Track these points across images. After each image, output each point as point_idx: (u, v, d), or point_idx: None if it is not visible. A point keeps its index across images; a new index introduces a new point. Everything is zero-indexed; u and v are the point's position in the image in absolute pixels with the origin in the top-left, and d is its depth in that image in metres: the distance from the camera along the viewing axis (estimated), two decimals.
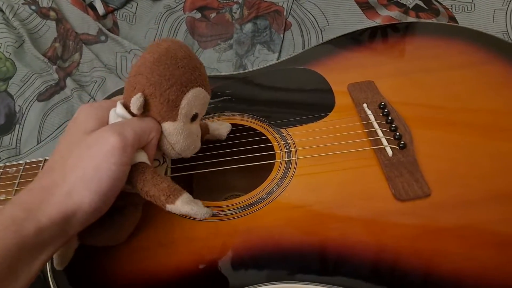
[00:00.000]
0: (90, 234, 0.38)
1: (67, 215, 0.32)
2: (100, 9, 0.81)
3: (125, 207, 0.40)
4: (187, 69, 0.37)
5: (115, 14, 0.82)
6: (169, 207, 0.35)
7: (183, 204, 0.35)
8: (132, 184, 0.36)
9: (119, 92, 0.59)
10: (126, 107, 0.37)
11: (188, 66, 0.37)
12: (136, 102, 0.36)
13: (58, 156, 0.35)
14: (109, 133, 0.34)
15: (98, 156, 0.33)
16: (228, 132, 0.50)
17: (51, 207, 0.32)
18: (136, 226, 0.42)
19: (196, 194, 0.46)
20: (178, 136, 0.39)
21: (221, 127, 0.49)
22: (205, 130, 0.47)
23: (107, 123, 0.37)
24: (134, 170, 0.36)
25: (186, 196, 0.36)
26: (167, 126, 0.38)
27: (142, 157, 0.37)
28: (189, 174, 0.51)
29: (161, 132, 0.38)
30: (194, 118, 0.39)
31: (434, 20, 0.71)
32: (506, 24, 0.69)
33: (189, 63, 0.37)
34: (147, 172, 0.36)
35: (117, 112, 0.37)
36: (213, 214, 0.43)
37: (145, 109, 0.37)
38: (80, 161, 0.33)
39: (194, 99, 0.38)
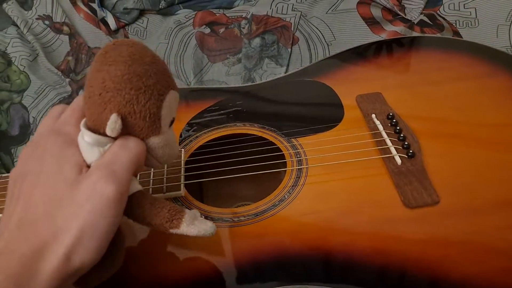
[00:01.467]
0: (89, 280, 0.34)
1: (64, 278, 0.29)
2: (112, 24, 0.83)
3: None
4: (159, 75, 0.33)
5: (127, 29, 0.84)
6: (174, 231, 0.34)
7: (189, 227, 0.34)
8: (131, 217, 0.34)
9: None
10: (94, 131, 0.33)
11: (158, 71, 0.33)
12: (114, 126, 0.31)
13: (40, 209, 0.30)
14: (102, 182, 0.30)
15: (93, 213, 0.30)
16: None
17: (47, 275, 0.28)
18: (148, 233, 0.43)
19: (206, 203, 0.46)
20: (164, 148, 0.36)
21: None
22: None
23: (82, 160, 0.33)
24: (130, 203, 0.33)
25: (188, 216, 0.34)
26: (152, 141, 0.35)
27: (135, 186, 0.34)
28: (199, 184, 0.52)
29: (147, 150, 0.35)
30: (171, 123, 0.36)
31: (439, 35, 0.73)
32: (509, 39, 0.71)
33: (157, 67, 0.33)
34: (144, 202, 0.34)
35: (88, 141, 0.32)
36: (226, 221, 0.44)
37: (123, 130, 0.32)
38: (73, 221, 0.29)
39: (171, 104, 0.35)
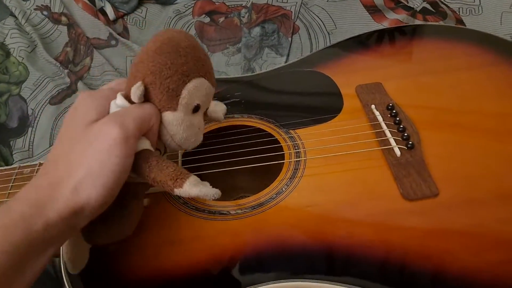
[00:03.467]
0: (95, 233, 0.38)
1: (75, 211, 0.32)
2: (111, 14, 0.82)
3: (124, 199, 0.38)
4: (190, 59, 0.36)
5: (125, 19, 0.83)
6: (177, 191, 0.35)
7: (191, 187, 0.35)
8: (137, 172, 0.36)
9: None
10: (127, 97, 0.37)
11: (190, 55, 0.36)
12: (136, 91, 0.35)
13: (60, 150, 0.35)
14: (110, 125, 0.34)
15: (101, 150, 0.33)
16: (225, 113, 0.49)
17: (59, 203, 0.31)
18: (147, 225, 0.43)
19: None
20: (178, 126, 0.38)
21: (217, 108, 0.47)
22: None
23: (107, 113, 0.37)
24: (138, 158, 0.35)
25: (193, 178, 0.36)
26: (167, 115, 0.37)
27: (145, 144, 0.36)
28: (198, 175, 0.52)
29: (161, 122, 0.38)
30: (196, 109, 0.38)
31: (442, 23, 0.72)
32: None
33: (191, 52, 0.36)
34: (152, 158, 0.36)
35: (117, 103, 0.36)
36: (223, 214, 0.44)
37: (145, 98, 0.36)
38: (83, 157, 0.33)
39: (196, 89, 0.37)
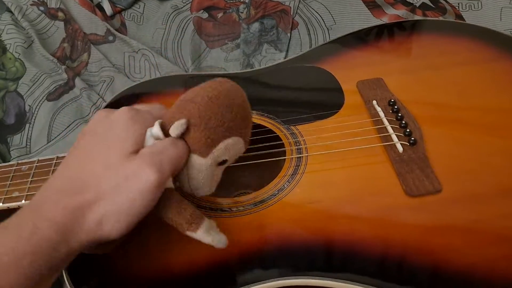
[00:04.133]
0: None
1: (94, 242, 0.32)
2: (108, 10, 0.81)
3: None
4: (238, 117, 0.37)
5: (123, 15, 0.82)
6: (190, 234, 0.36)
7: (204, 234, 0.35)
8: (156, 209, 0.36)
9: (129, 90, 0.60)
10: (164, 127, 0.36)
11: (240, 114, 0.37)
12: (179, 127, 0.35)
13: (91, 170, 0.34)
14: (149, 168, 0.33)
15: (134, 191, 0.32)
16: None
17: (83, 233, 0.31)
18: (149, 223, 0.42)
19: None
20: (200, 173, 0.38)
21: None
22: None
23: (143, 141, 0.36)
24: (161, 196, 0.35)
25: (206, 224, 0.36)
26: (194, 159, 0.37)
27: (169, 183, 0.36)
28: None
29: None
30: (222, 163, 0.39)
31: (441, 18, 0.72)
32: None
33: (242, 112, 0.37)
34: (173, 199, 0.36)
35: (153, 133, 0.36)
36: (225, 211, 0.43)
37: (182, 135, 0.36)
38: (115, 192, 0.33)
39: (232, 146, 0.37)
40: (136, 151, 0.34)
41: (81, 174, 0.34)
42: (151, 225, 0.43)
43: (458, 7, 0.73)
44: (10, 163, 0.51)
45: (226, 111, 0.36)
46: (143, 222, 0.42)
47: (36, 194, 0.33)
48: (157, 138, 0.36)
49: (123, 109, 0.37)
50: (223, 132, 0.36)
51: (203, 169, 0.37)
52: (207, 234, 0.36)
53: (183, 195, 0.37)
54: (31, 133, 0.67)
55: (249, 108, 0.39)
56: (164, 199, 0.35)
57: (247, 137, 0.39)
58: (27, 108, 0.69)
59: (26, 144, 0.66)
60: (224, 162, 0.39)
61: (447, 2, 0.74)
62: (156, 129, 0.36)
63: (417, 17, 0.73)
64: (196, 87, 0.37)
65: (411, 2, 0.75)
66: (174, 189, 0.37)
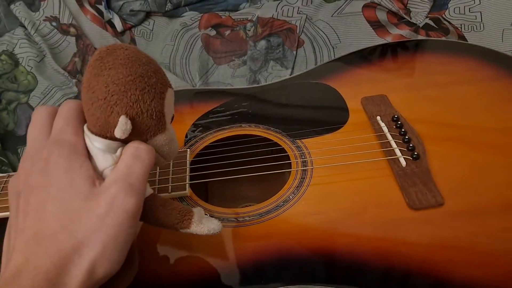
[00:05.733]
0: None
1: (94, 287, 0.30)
2: (119, 26, 0.83)
3: None
4: (158, 74, 0.34)
5: (133, 31, 0.85)
6: (184, 231, 0.35)
7: (198, 226, 0.35)
8: (144, 220, 0.35)
9: None
10: (101, 135, 0.33)
11: (156, 70, 0.34)
12: (124, 127, 0.32)
13: (54, 221, 0.30)
14: (122, 197, 0.31)
15: (114, 226, 0.30)
16: None
17: (75, 283, 0.29)
18: (156, 231, 0.43)
19: (211, 203, 0.47)
20: (167, 146, 0.36)
21: None
22: None
23: (92, 168, 0.32)
24: (144, 208, 0.33)
25: (196, 216, 0.35)
26: (159, 139, 0.35)
27: (147, 190, 0.34)
28: (204, 184, 0.53)
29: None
30: (171, 120, 0.37)
31: (444, 39, 0.73)
32: None
33: (155, 67, 0.34)
34: (156, 205, 0.35)
35: (100, 148, 0.33)
36: (231, 221, 0.44)
37: (131, 131, 0.33)
38: (94, 235, 0.30)
39: (170, 101, 0.36)
40: (93, 184, 0.31)
41: (45, 230, 0.30)
42: (157, 232, 0.43)
43: (461, 28, 0.75)
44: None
45: (147, 79, 0.33)
46: (150, 230, 0.43)
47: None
48: (109, 148, 0.33)
49: (42, 149, 0.33)
50: (160, 97, 0.34)
51: (169, 140, 0.36)
52: (201, 226, 0.35)
53: None
54: None
55: (151, 57, 0.35)
56: (149, 209, 0.34)
57: (169, 81, 0.36)
58: None
59: None
60: (173, 117, 0.37)
61: (449, 23, 0.76)
62: (99, 143, 0.33)
63: (420, 38, 0.74)
64: (97, 78, 0.32)
65: (415, 22, 0.77)
66: (154, 192, 0.36)
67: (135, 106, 0.32)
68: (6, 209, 0.46)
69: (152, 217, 0.35)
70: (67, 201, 0.31)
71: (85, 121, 0.35)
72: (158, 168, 0.49)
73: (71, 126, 0.34)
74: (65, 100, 0.71)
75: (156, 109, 0.34)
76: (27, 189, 0.32)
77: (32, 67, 0.76)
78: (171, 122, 0.37)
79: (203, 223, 0.36)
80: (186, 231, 0.35)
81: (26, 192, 0.32)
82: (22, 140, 0.68)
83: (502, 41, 0.72)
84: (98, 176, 0.33)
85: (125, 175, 0.32)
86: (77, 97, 0.73)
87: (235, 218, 0.44)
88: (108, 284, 0.32)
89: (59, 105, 0.69)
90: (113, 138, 0.33)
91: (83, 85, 0.33)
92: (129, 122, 0.32)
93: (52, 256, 0.29)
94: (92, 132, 0.33)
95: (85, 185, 0.31)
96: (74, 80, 0.74)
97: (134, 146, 0.33)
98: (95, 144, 0.33)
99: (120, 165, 0.33)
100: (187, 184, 0.47)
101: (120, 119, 0.32)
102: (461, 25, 0.75)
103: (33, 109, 0.72)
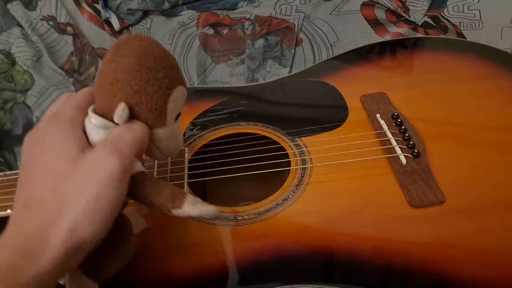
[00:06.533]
0: (101, 270, 0.36)
1: (71, 253, 0.30)
2: (116, 25, 0.83)
3: (118, 218, 0.36)
4: (168, 70, 0.34)
5: (130, 30, 0.84)
6: (176, 212, 0.34)
7: (191, 207, 0.34)
8: (133, 197, 0.34)
9: None
10: (102, 116, 0.34)
11: (167, 65, 0.34)
12: (121, 113, 0.33)
13: (45, 188, 0.31)
14: (106, 156, 0.31)
15: (96, 184, 0.30)
16: None
17: (53, 249, 0.29)
18: (154, 229, 0.43)
19: (210, 202, 0.46)
20: (166, 141, 0.37)
21: None
22: None
23: (86, 139, 0.34)
24: (133, 182, 0.33)
25: (190, 198, 0.34)
26: (157, 132, 0.36)
27: (138, 166, 0.34)
28: (203, 182, 0.52)
29: (150, 140, 0.36)
30: (177, 117, 0.38)
31: (443, 36, 0.73)
32: None
33: (166, 62, 0.35)
34: (147, 181, 0.34)
35: (95, 124, 0.34)
36: (229, 219, 0.44)
37: (129, 119, 0.34)
38: (77, 194, 0.30)
39: (178, 99, 0.36)
40: (82, 150, 0.32)
41: (36, 196, 0.31)
42: (155, 231, 0.43)
43: (460, 26, 0.74)
44: (17, 171, 0.51)
45: (155, 72, 0.33)
46: (148, 229, 0.43)
47: None
48: (104, 127, 0.34)
49: (43, 119, 0.35)
50: (164, 92, 0.34)
51: (169, 136, 0.37)
52: (194, 207, 0.34)
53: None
54: None
55: (169, 53, 0.36)
56: (138, 185, 0.34)
57: (183, 80, 0.37)
58: (34, 119, 0.70)
59: None
60: (179, 115, 0.37)
61: (448, 21, 0.75)
62: (95, 120, 0.33)
63: (419, 35, 0.74)
64: (109, 64, 0.33)
65: (413, 20, 0.76)
66: (146, 172, 0.35)
67: (135, 96, 0.33)
68: (4, 208, 0.46)
69: (142, 193, 0.34)
70: (56, 166, 0.32)
71: (92, 104, 0.36)
72: (156, 167, 0.48)
73: (74, 103, 0.35)
74: None
75: (158, 103, 0.34)
76: (27, 160, 0.34)
77: (29, 67, 0.76)
78: (177, 118, 0.38)
79: (197, 206, 0.34)
80: (178, 212, 0.34)
81: (26, 163, 0.34)
82: (19, 140, 0.68)
83: (501, 38, 0.72)
84: (89, 146, 0.34)
85: (114, 139, 0.33)
86: None
87: (234, 217, 0.44)
88: (94, 263, 0.34)
89: None
90: (112, 122, 0.34)
91: (99, 68, 0.35)
92: (127, 109, 0.33)
93: (37, 218, 0.30)
94: (96, 112, 0.34)
95: (74, 150, 0.32)
96: (71, 79, 0.74)
97: (129, 121, 0.34)
98: (92, 120, 0.34)
99: (111, 133, 0.34)
100: (186, 183, 0.47)
101: (118, 105, 0.33)
102: (459, 23, 0.75)
103: (30, 108, 0.71)
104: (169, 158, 0.48)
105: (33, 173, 0.33)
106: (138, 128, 0.34)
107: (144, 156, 0.40)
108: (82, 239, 0.30)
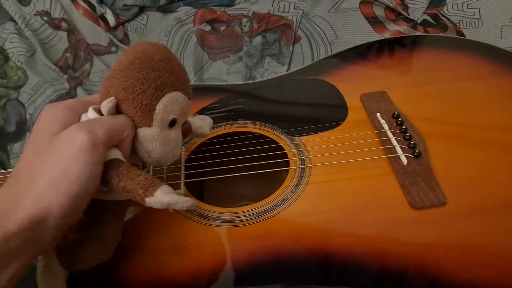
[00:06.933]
0: (72, 257, 0.36)
1: (36, 221, 0.30)
2: (111, 21, 0.82)
3: (100, 217, 0.37)
4: (163, 72, 0.35)
5: (126, 26, 0.83)
6: (149, 200, 0.33)
7: (163, 195, 0.33)
8: (107, 182, 0.34)
9: None
10: (99, 112, 0.35)
11: (164, 69, 0.35)
12: (106, 105, 0.34)
13: (24, 162, 0.33)
14: (77, 131, 0.32)
15: (66, 156, 0.31)
16: (211, 127, 0.48)
17: (19, 214, 0.30)
18: (150, 231, 0.42)
19: (207, 202, 0.45)
20: (154, 142, 0.37)
21: (203, 124, 0.47)
22: (187, 129, 0.45)
23: (72, 121, 0.35)
24: (107, 167, 0.34)
25: (165, 187, 0.34)
26: (142, 131, 0.36)
27: (116, 154, 0.35)
28: (200, 182, 0.51)
29: (136, 138, 0.36)
30: (172, 124, 0.37)
31: (443, 34, 0.72)
32: None
33: (165, 66, 0.35)
34: (122, 167, 0.34)
35: (88, 117, 0.35)
36: (227, 220, 0.43)
37: (118, 113, 0.35)
38: (47, 165, 0.32)
39: (171, 104, 0.36)
40: (65, 127, 0.33)
41: (16, 171, 0.33)
42: (151, 232, 0.42)
43: (459, 25, 0.74)
44: (9, 170, 0.50)
45: (147, 72, 0.34)
46: (143, 230, 0.42)
47: None
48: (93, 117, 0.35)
49: (45, 106, 0.36)
50: (154, 93, 0.34)
51: (156, 138, 0.36)
52: (166, 194, 0.33)
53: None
54: None
55: (175, 59, 0.37)
56: (112, 169, 0.34)
57: (184, 88, 0.37)
58: (28, 116, 0.69)
59: None
60: (174, 121, 0.37)
61: (448, 19, 0.75)
62: (90, 113, 0.35)
63: (418, 34, 0.73)
64: (116, 62, 0.35)
65: (413, 18, 0.76)
66: (123, 160, 0.35)
67: (123, 92, 0.34)
68: None
69: (115, 177, 0.34)
70: (38, 142, 0.33)
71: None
72: (152, 167, 0.47)
73: (81, 98, 0.38)
74: (56, 96, 0.70)
75: (144, 102, 0.34)
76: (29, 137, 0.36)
77: (22, 63, 0.74)
78: (172, 126, 0.37)
79: (169, 194, 0.33)
80: (151, 200, 0.33)
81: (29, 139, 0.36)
82: (12, 137, 0.67)
83: (501, 37, 0.71)
84: None
85: (91, 121, 0.34)
86: (69, 93, 0.71)
87: (232, 218, 0.43)
88: (69, 250, 0.35)
89: (50, 101, 0.69)
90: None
91: None
92: (112, 103, 0.34)
93: (10, 188, 0.32)
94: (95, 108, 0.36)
95: (58, 127, 0.33)
96: (65, 76, 0.72)
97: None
98: (88, 114, 0.35)
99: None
100: (182, 183, 0.46)
101: (107, 99, 0.34)
102: (459, 21, 0.74)
103: (23, 105, 0.70)
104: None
105: (23, 150, 0.34)
106: (119, 117, 0.35)
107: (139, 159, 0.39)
108: (46, 208, 0.31)
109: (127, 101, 0.34)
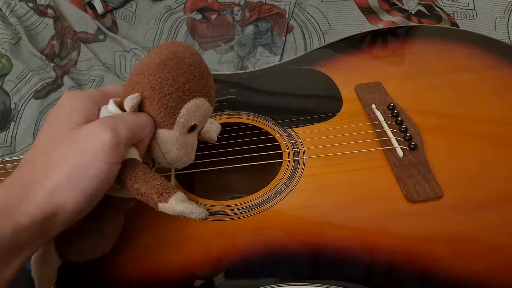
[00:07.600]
0: (69, 247, 0.35)
1: (48, 215, 0.30)
2: (99, 8, 0.80)
3: (105, 211, 0.37)
4: (192, 77, 0.35)
5: (114, 14, 0.81)
6: (162, 206, 0.32)
7: (177, 203, 0.32)
8: (121, 182, 0.33)
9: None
10: (120, 105, 0.35)
11: (193, 74, 0.35)
12: (130, 100, 0.33)
13: (39, 150, 0.32)
14: (101, 128, 0.31)
15: (86, 153, 0.30)
16: (218, 133, 0.47)
17: (31, 206, 0.29)
18: (142, 225, 0.41)
19: (198, 195, 0.44)
20: (172, 145, 0.36)
21: (211, 129, 0.46)
22: None
23: (95, 117, 0.34)
24: (123, 167, 0.33)
25: (180, 194, 0.33)
26: (162, 133, 0.35)
27: (134, 153, 0.34)
28: (191, 174, 0.50)
29: (154, 138, 0.36)
30: (192, 129, 0.37)
31: (439, 25, 0.71)
32: (508, 31, 0.70)
33: (195, 71, 0.35)
34: (138, 168, 0.33)
35: (109, 110, 0.35)
36: (219, 214, 0.42)
37: (140, 111, 0.35)
38: (65, 158, 0.31)
39: (195, 109, 0.35)
40: (86, 120, 0.33)
41: (30, 157, 0.32)
42: (143, 227, 0.41)
43: (454, 16, 0.73)
44: (18, 157, 0.49)
45: (177, 74, 0.34)
46: (135, 225, 0.41)
47: None
48: (115, 112, 0.35)
49: (68, 91, 0.36)
50: (180, 96, 0.34)
51: (175, 141, 0.36)
52: (180, 202, 0.32)
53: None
54: (16, 132, 0.65)
55: (204, 65, 0.36)
56: (128, 169, 0.33)
57: (209, 95, 0.37)
58: (12, 105, 0.67)
59: (11, 143, 0.64)
60: (194, 127, 0.37)
61: (442, 10, 0.74)
62: (111, 106, 0.35)
63: (412, 24, 0.72)
64: (144, 58, 0.35)
65: (407, 9, 0.75)
66: (140, 161, 0.34)
67: (150, 90, 0.34)
68: None
69: (131, 178, 0.33)
70: (56, 130, 0.33)
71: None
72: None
73: (102, 88, 0.37)
74: (42, 85, 0.68)
75: (169, 104, 0.34)
76: (46, 121, 0.35)
77: (6, 50, 0.72)
78: (191, 131, 0.37)
79: (185, 204, 0.33)
80: (164, 206, 0.32)
81: (44, 123, 0.35)
82: None
83: (495, 29, 0.71)
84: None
85: (114, 117, 0.33)
86: (55, 82, 0.69)
87: (224, 211, 0.42)
88: (67, 238, 0.34)
89: (35, 90, 0.67)
90: (124, 111, 0.35)
91: None
92: (138, 99, 0.33)
93: (22, 176, 0.31)
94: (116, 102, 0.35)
95: (79, 119, 0.33)
96: (51, 64, 0.70)
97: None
98: (108, 107, 0.35)
99: (116, 113, 0.35)
100: (173, 175, 0.45)
101: (132, 94, 0.34)
102: (453, 12, 0.74)
103: (7, 94, 0.68)
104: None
105: (38, 136, 0.33)
106: (142, 116, 0.34)
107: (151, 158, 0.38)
108: (59, 204, 0.30)
109: (152, 100, 0.34)
